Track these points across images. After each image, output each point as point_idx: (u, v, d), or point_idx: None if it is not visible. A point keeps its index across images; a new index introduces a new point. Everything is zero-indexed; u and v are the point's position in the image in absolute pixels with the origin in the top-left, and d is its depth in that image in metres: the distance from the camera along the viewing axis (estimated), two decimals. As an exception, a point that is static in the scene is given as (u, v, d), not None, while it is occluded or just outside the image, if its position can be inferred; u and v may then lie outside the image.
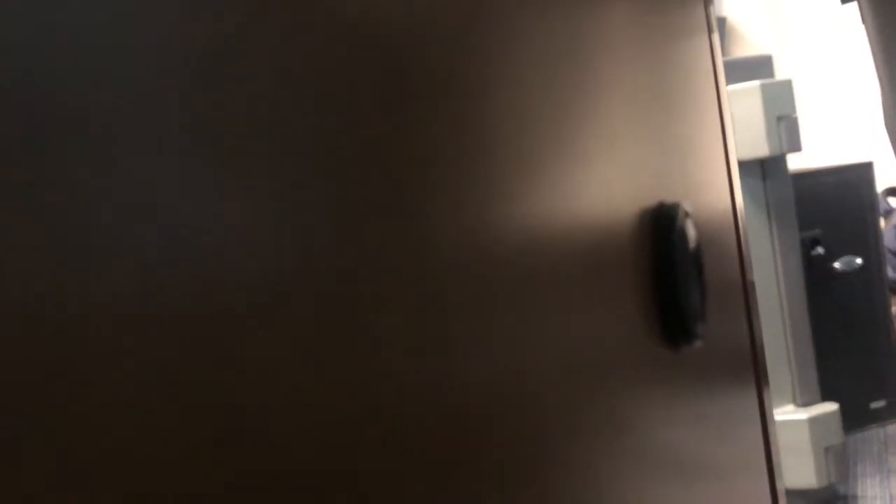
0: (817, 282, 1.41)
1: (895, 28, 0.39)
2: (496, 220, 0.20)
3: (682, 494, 0.28)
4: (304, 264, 0.15)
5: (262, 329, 0.14)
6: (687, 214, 0.28)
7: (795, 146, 1.00)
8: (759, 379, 0.41)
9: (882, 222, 1.61)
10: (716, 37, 0.43)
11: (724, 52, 1.84)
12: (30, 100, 0.10)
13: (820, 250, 1.38)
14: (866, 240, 1.44)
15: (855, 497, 1.22)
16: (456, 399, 0.19)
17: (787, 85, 1.00)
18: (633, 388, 0.25)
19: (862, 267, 1.41)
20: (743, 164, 0.98)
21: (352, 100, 0.17)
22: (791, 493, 1.02)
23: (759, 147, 0.97)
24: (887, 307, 1.50)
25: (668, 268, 0.26)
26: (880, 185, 1.58)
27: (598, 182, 0.25)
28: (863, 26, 0.45)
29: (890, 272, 1.71)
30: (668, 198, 0.31)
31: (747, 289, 0.41)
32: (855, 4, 0.46)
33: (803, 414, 1.04)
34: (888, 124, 0.43)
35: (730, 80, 0.99)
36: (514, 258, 0.21)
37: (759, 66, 1.04)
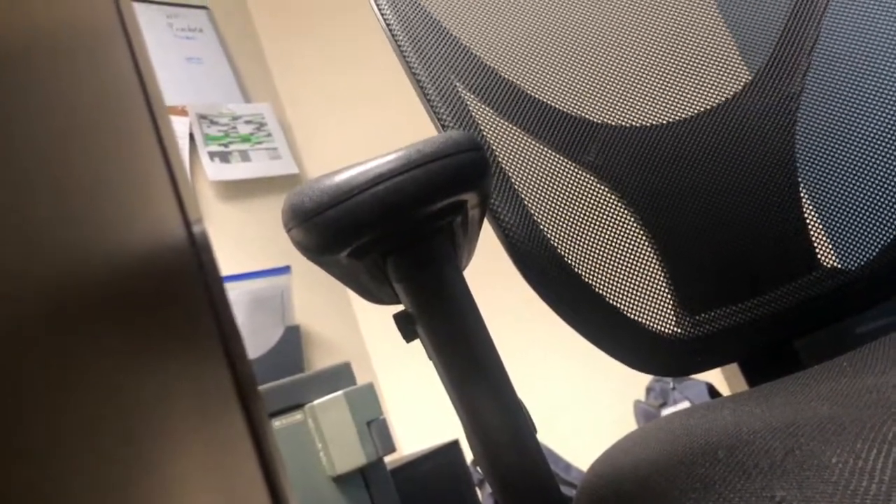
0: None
1: (457, 379, 0.43)
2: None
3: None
4: None
5: None
6: None
7: (390, 448, 1.01)
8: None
9: (478, 492, 1.71)
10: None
11: (305, 366, 1.91)
12: None
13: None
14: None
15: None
16: None
17: (370, 388, 1.02)
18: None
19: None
20: (343, 477, 0.98)
21: None
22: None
23: (356, 456, 0.98)
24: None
25: None
26: (469, 456, 1.70)
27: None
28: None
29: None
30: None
31: None
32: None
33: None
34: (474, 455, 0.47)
35: (314, 395, 1.01)
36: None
37: (339, 375, 1.07)
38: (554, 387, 2.03)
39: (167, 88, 2.00)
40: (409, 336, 0.45)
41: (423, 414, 2.14)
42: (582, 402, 2.04)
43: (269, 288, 1.85)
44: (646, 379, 1.94)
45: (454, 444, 1.47)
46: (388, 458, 1.11)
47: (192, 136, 2.00)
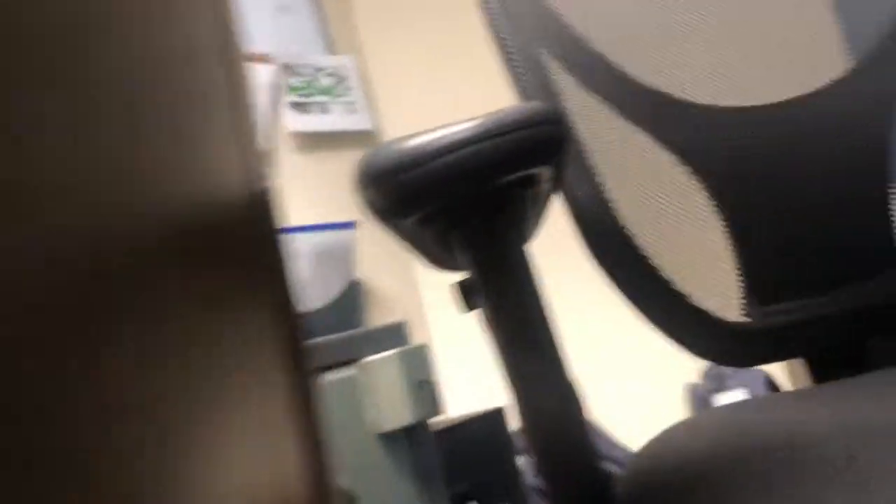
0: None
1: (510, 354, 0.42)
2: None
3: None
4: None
5: None
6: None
7: (438, 410, 1.01)
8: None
9: (520, 459, 1.69)
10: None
11: (364, 320, 1.94)
12: None
13: (473, 504, 1.39)
14: (512, 481, 1.47)
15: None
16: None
17: (424, 350, 1.01)
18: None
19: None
20: (389, 435, 0.98)
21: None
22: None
23: (403, 415, 0.98)
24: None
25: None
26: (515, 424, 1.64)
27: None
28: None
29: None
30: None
31: None
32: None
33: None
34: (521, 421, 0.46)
35: (368, 351, 1.01)
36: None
37: (395, 334, 1.06)
38: (607, 358, 2.02)
39: (256, 36, 2.03)
40: (467, 306, 0.45)
41: (473, 378, 2.15)
42: (635, 377, 2.03)
43: (335, 241, 1.88)
44: (701, 361, 1.91)
45: (498, 411, 1.47)
46: (431, 420, 1.13)
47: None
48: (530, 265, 0.43)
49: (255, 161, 0.38)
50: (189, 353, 0.27)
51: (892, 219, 0.72)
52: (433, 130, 0.38)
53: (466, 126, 0.37)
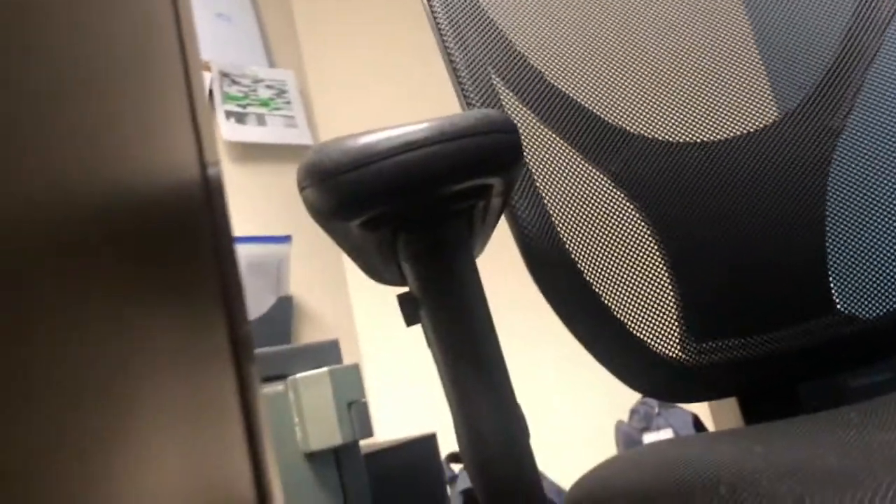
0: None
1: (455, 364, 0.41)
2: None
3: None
4: None
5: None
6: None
7: (367, 432, 0.99)
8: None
9: (448, 489, 1.67)
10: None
11: (294, 338, 1.91)
12: None
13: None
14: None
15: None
16: None
17: (355, 369, 1.00)
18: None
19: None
20: (316, 455, 0.96)
21: None
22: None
23: (331, 435, 0.95)
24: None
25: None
26: (444, 451, 1.64)
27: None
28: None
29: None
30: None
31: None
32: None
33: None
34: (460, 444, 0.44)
35: (298, 368, 0.99)
36: None
37: (326, 352, 1.05)
38: (536, 393, 2.01)
39: (194, 40, 1.97)
40: (410, 319, 0.43)
41: (401, 402, 2.12)
42: (562, 414, 2.02)
43: (267, 255, 1.83)
44: (630, 400, 1.92)
45: (431, 438, 1.45)
46: (362, 443, 1.09)
47: (210, 93, 1.97)
48: (478, 280, 0.41)
49: (209, 145, 0.36)
50: (130, 334, 0.25)
51: (829, 262, 0.73)
52: (382, 130, 0.35)
53: (419, 127, 0.35)
